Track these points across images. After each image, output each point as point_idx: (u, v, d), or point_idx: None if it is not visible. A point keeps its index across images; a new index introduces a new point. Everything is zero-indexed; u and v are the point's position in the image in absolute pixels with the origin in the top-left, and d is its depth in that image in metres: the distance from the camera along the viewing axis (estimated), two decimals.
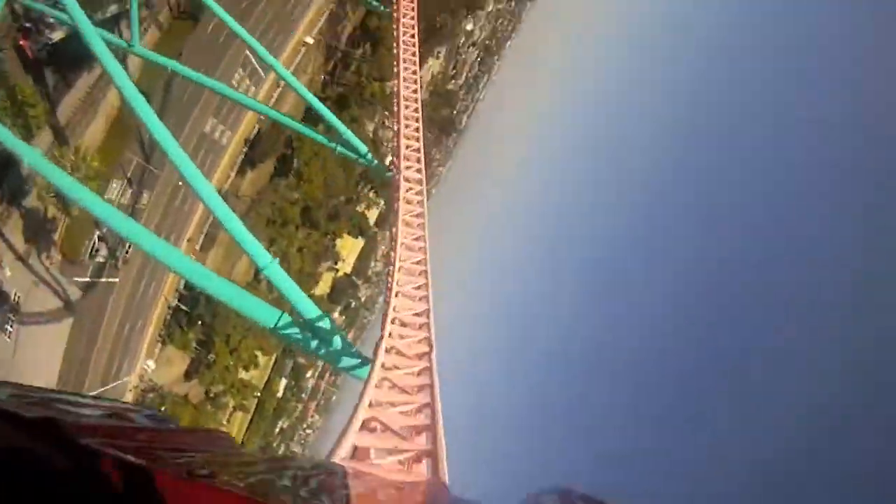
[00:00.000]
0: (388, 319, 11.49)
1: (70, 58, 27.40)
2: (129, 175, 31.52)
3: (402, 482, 2.11)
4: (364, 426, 6.90)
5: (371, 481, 1.61)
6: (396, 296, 12.62)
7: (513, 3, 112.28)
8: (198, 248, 39.20)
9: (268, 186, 52.40)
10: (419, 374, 9.38)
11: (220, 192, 48.43)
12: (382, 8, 26.83)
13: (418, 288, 13.43)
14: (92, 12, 23.32)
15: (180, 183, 34.76)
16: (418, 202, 16.81)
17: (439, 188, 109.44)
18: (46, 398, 1.41)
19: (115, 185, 29.68)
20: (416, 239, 15.34)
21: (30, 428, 1.02)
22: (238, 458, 1.43)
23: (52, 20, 25.98)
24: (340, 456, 5.84)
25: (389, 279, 13.49)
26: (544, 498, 1.66)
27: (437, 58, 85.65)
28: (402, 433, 7.00)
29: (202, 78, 22.27)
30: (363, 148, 21.18)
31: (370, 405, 7.55)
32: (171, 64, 23.09)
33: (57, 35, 27.29)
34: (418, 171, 17.67)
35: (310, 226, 62.37)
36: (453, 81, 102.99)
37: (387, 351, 9.87)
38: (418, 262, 14.48)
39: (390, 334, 10.69)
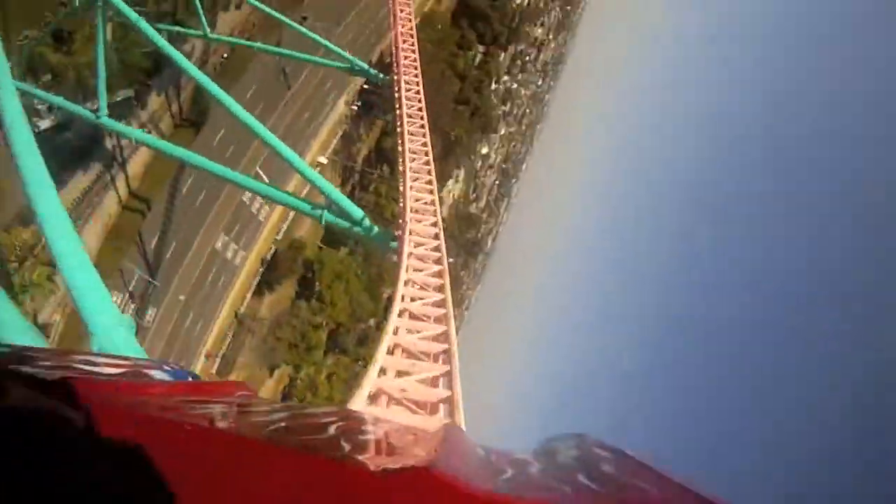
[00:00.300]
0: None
1: (61, 151, 25.80)
2: (130, 289, 29.94)
3: (419, 427, 1.84)
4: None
5: (388, 426, 1.57)
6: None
7: (524, 127, 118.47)
8: (213, 371, 36.65)
9: (289, 310, 50.66)
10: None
11: (236, 314, 46.72)
12: (381, 77, 26.31)
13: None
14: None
15: (182, 297, 33.04)
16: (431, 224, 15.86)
17: (470, 311, 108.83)
18: (63, 358, 1.45)
19: (114, 298, 28.04)
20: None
21: (46, 388, 1.04)
22: (258, 408, 1.46)
23: (39, 105, 24.67)
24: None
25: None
26: (561, 443, 1.66)
27: (457, 181, 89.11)
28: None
29: (223, 170, 19.74)
30: (358, 213, 18.36)
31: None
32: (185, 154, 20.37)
33: (44, 124, 25.73)
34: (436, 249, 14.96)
35: (338, 351, 59.52)
36: (474, 204, 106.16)
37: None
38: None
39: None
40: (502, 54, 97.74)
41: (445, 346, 8.90)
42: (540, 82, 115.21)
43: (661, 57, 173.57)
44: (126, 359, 1.80)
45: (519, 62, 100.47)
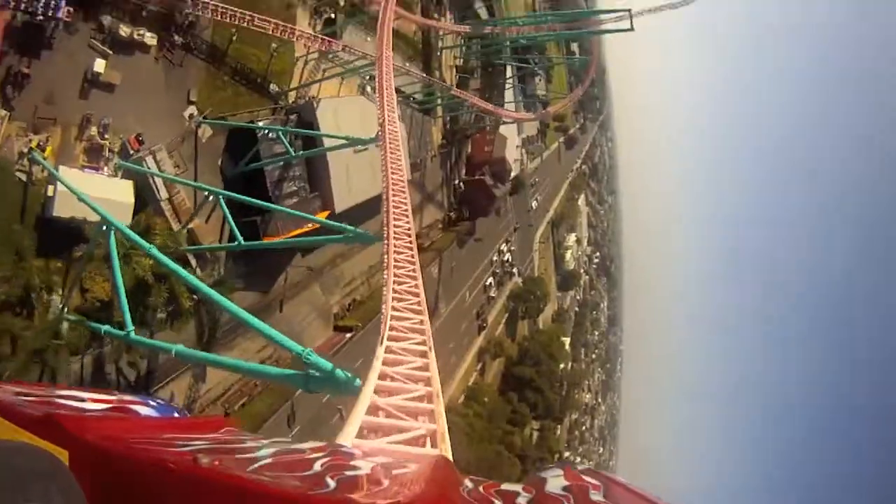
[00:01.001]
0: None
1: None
2: None
3: (406, 461, 1.80)
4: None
5: (375, 461, 1.55)
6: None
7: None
8: None
9: None
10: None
11: None
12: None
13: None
14: None
15: None
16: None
17: None
18: (50, 395, 1.47)
19: None
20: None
21: (33, 425, 1.09)
22: (244, 444, 1.46)
23: None
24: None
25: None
26: (550, 473, 1.70)
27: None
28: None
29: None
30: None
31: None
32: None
33: None
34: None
35: None
36: None
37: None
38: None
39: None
40: (559, 427, 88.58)
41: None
42: (601, 450, 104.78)
43: None
44: (112, 394, 1.74)
45: (577, 432, 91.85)
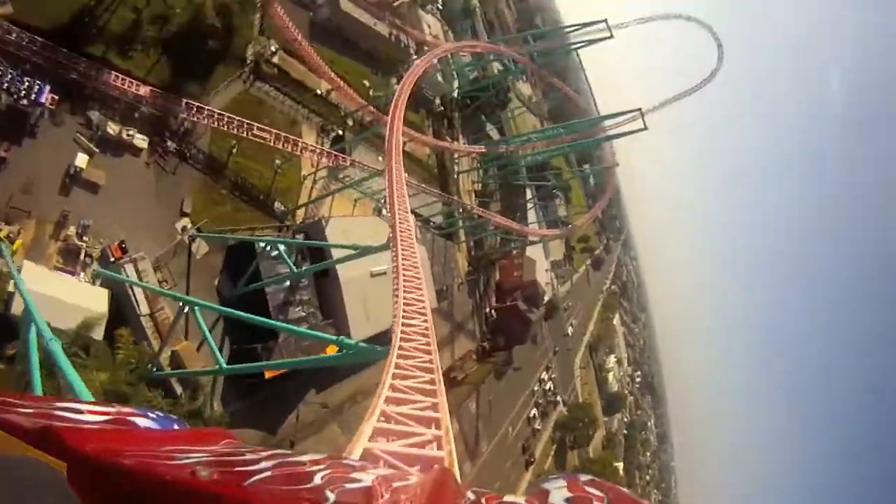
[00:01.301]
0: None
1: None
2: None
3: (408, 473, 1.96)
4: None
5: (377, 473, 1.57)
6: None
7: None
8: None
9: None
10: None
11: None
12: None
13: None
14: None
15: None
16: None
17: None
18: (49, 406, 1.50)
19: None
20: None
21: (31, 437, 1.11)
22: (243, 457, 1.48)
23: None
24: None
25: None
26: (553, 483, 1.76)
27: None
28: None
29: None
30: None
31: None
32: None
33: None
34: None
35: None
36: None
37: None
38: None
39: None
40: None
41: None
42: None
43: None
44: (111, 406, 1.76)
45: None
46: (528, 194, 76.71)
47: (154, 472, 1.09)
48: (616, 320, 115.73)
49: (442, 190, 56.85)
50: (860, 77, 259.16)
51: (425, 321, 14.11)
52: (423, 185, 51.68)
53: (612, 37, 62.26)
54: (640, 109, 58.27)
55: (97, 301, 29.60)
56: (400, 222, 24.55)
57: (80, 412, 1.55)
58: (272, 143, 39.60)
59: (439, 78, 61.42)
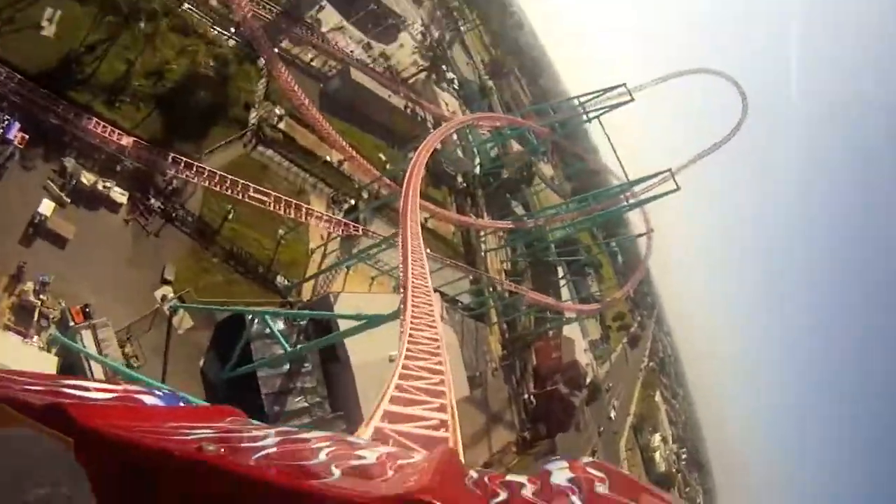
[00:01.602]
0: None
1: None
2: None
3: (414, 451, 1.99)
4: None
5: (382, 451, 1.61)
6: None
7: None
8: None
9: None
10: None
11: None
12: None
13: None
14: None
15: None
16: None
17: None
18: (56, 383, 1.54)
19: None
20: None
21: (39, 413, 1.15)
22: (248, 433, 1.52)
23: None
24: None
25: None
26: (555, 465, 1.79)
27: None
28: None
29: None
30: None
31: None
32: None
33: None
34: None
35: None
36: None
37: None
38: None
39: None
40: None
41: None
42: None
43: None
44: (117, 383, 1.81)
45: None
46: (560, 272, 73.66)
47: (161, 447, 1.12)
48: (658, 397, 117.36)
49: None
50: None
51: (435, 332, 14.66)
52: (447, 259, 46.56)
53: (632, 100, 61.76)
54: (669, 170, 55.80)
55: (42, 370, 24.46)
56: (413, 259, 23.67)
57: (87, 389, 1.58)
58: (272, 208, 36.24)
59: (459, 153, 60.21)
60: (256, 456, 1.27)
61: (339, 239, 41.81)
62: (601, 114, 63.93)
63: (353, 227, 40.63)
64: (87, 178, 30.63)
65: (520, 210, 69.73)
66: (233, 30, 40.15)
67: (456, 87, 72.46)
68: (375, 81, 50.34)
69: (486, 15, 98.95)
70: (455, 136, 58.01)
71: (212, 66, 35.41)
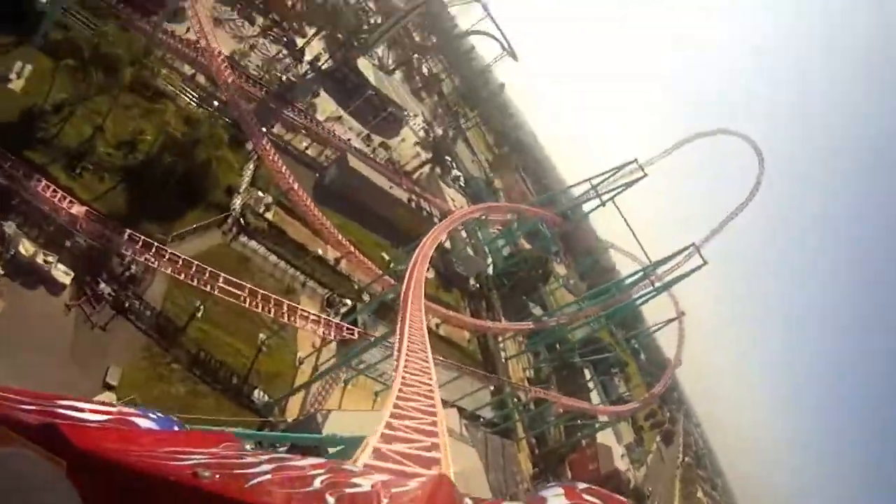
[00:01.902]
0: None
1: None
2: None
3: (409, 479, 1.88)
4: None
5: (377, 479, 1.61)
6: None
7: None
8: None
9: None
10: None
11: None
12: None
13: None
14: None
15: None
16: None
17: None
18: (51, 404, 1.54)
19: None
20: None
21: (33, 433, 1.15)
22: (243, 460, 1.51)
23: None
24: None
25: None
26: (550, 490, 1.84)
27: None
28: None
29: None
30: None
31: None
32: None
33: None
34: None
35: None
36: None
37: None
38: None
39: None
40: None
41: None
42: None
43: None
44: (112, 405, 1.80)
45: None
46: (587, 374, 68.81)
47: (156, 471, 1.12)
48: (699, 493, 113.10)
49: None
50: None
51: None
52: (465, 367, 39.55)
53: (645, 175, 60.38)
54: (694, 244, 53.28)
55: None
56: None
57: (82, 410, 1.58)
58: (248, 304, 30.36)
59: (470, 252, 56.82)
60: (251, 483, 1.26)
61: (334, 346, 35.25)
62: (616, 194, 62.17)
63: (350, 329, 34.20)
64: (26, 247, 25.38)
65: (538, 311, 65.97)
66: (216, 103, 37.44)
67: (462, 183, 71.68)
68: (375, 171, 47.35)
69: (486, 114, 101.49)
70: (465, 234, 54.67)
71: (183, 134, 31.70)
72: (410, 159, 59.15)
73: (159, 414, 1.89)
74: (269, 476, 1.35)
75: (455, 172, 72.03)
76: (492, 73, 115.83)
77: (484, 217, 57.61)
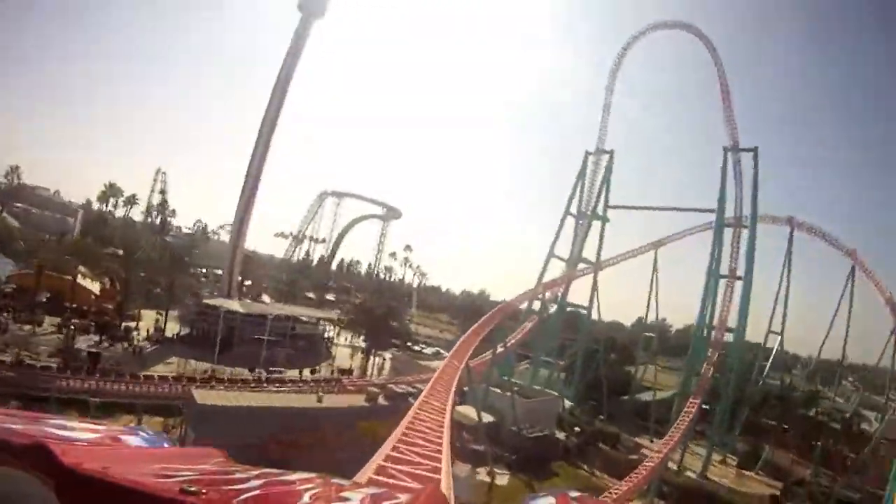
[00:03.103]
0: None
1: None
2: None
3: (399, 492, 2.29)
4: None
5: (366, 493, 1.69)
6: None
7: None
8: None
9: None
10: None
11: None
12: None
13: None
14: None
15: None
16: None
17: None
18: (39, 422, 1.61)
19: None
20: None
21: (22, 452, 1.21)
22: (232, 475, 1.54)
23: None
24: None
25: None
26: (542, 500, 1.99)
27: None
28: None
29: None
30: None
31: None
32: None
33: None
34: None
35: None
36: None
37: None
38: None
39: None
40: None
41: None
42: None
43: None
44: (101, 424, 1.81)
45: None
46: None
47: (145, 488, 1.12)
48: None
49: None
50: None
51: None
52: None
53: None
54: None
55: None
56: None
57: (72, 429, 1.58)
58: None
59: None
60: (240, 498, 1.26)
61: None
62: None
63: None
64: None
65: None
66: None
67: None
68: None
69: None
70: None
71: None
72: None
73: (148, 432, 1.84)
74: (258, 491, 1.34)
75: None
76: None
77: None
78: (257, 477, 1.51)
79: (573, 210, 64.95)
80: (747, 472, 49.88)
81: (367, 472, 7.34)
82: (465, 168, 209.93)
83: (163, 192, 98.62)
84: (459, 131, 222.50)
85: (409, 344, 64.06)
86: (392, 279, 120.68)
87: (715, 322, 54.25)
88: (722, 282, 54.97)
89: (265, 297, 76.50)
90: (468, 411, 37.91)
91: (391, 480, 6.65)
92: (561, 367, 61.51)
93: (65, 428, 1.55)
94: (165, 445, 1.84)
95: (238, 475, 1.50)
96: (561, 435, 44.56)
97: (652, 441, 51.69)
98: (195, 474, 1.41)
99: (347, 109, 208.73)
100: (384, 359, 59.18)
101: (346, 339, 68.11)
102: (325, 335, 66.33)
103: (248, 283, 79.54)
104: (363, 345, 60.16)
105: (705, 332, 55.59)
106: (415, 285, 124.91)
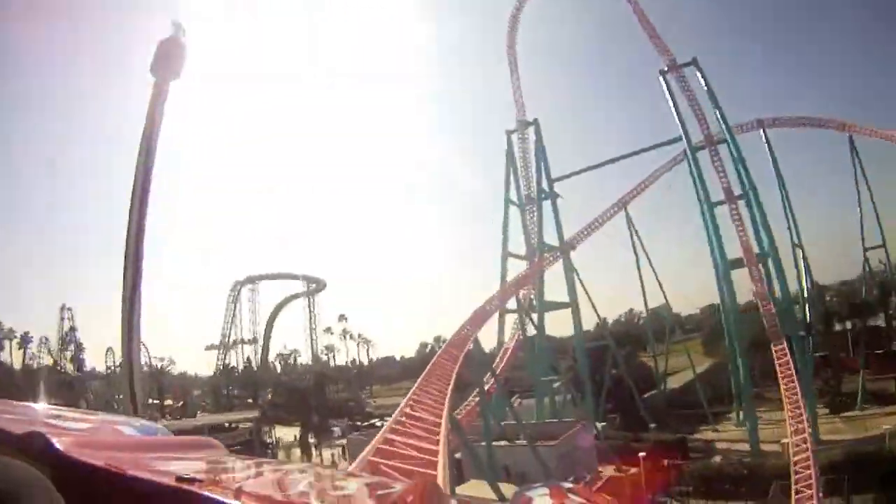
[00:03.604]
0: None
1: None
2: None
3: (394, 482, 1.81)
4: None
5: (362, 482, 1.68)
6: None
7: None
8: None
9: None
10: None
11: None
12: None
13: None
14: None
15: None
16: None
17: None
18: (35, 412, 1.66)
19: None
20: None
21: (17, 441, 1.20)
22: (227, 465, 1.57)
23: None
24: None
25: None
26: (536, 490, 3.55)
27: None
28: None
29: None
30: None
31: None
32: None
33: None
34: None
35: None
36: None
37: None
38: None
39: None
40: None
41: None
42: None
43: None
44: (95, 413, 1.87)
45: None
46: None
47: (141, 477, 1.15)
48: None
49: None
50: None
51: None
52: None
53: None
54: None
55: None
56: None
57: (66, 418, 1.63)
58: None
59: None
60: (235, 486, 1.27)
61: None
62: None
63: None
64: None
65: None
66: None
67: None
68: None
69: None
70: None
71: None
72: None
73: (143, 422, 1.88)
74: (253, 480, 1.38)
75: None
76: None
77: None
78: (254, 465, 1.55)
79: (513, 198, 55.70)
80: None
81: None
82: (382, 220, 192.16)
83: (73, 328, 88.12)
84: (363, 187, 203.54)
85: (374, 422, 53.47)
86: (335, 358, 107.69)
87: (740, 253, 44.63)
88: (724, 209, 45.46)
89: (202, 414, 73.69)
90: (479, 489, 24.72)
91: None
92: (567, 380, 50.23)
93: (60, 417, 1.58)
94: (160, 435, 1.82)
95: (234, 464, 1.51)
96: (610, 469, 32.19)
97: (716, 431, 40.90)
98: (192, 464, 1.40)
99: (229, 182, 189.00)
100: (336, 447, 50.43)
101: (294, 437, 59.74)
102: (266, 439, 57.29)
103: (168, 402, 77.08)
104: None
105: (720, 262, 45.70)
106: (363, 357, 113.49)
